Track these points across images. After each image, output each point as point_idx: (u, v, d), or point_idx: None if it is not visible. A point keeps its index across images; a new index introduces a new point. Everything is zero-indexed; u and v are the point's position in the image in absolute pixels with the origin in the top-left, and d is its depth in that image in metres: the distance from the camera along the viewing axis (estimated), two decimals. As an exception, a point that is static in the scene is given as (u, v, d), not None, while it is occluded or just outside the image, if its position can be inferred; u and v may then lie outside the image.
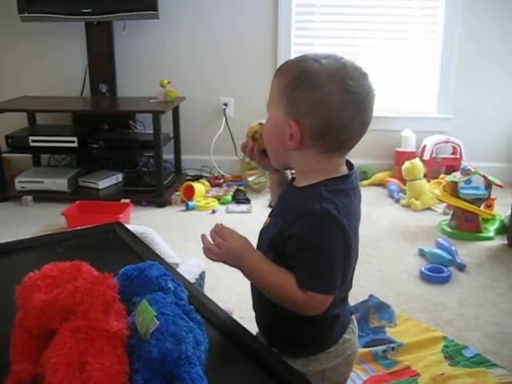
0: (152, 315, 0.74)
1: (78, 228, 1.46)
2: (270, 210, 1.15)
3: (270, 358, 0.84)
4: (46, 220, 2.91)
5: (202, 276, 2.04)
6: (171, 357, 0.71)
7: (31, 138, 3.27)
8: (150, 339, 0.73)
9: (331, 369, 1.08)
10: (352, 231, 0.99)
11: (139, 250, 1.24)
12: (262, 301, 1.04)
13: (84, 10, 3.40)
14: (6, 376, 0.74)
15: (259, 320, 1.12)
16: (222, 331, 0.91)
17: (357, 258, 1.08)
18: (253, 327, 0.98)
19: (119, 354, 0.73)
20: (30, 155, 3.64)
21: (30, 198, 3.23)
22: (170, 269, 1.03)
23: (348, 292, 1.12)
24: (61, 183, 3.30)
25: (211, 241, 1.05)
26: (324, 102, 0.96)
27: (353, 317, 1.17)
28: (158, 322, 0.74)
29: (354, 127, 0.98)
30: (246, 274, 1.02)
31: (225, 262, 1.02)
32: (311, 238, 0.95)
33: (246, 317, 0.97)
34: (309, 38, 3.67)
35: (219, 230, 1.06)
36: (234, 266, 1.02)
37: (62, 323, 0.75)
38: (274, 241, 1.02)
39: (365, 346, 1.77)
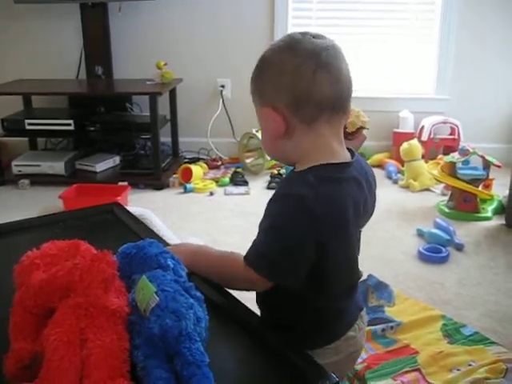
0: (152, 291, 0.74)
1: (76, 209, 1.46)
2: (268, 192, 1.14)
3: (270, 335, 0.84)
4: (44, 203, 2.90)
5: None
6: (172, 333, 0.71)
7: (27, 121, 3.25)
8: (151, 316, 0.73)
9: (330, 365, 0.98)
10: (331, 227, 0.92)
11: (138, 229, 1.23)
12: (263, 295, 1.03)
13: (78, -9, 3.36)
14: (5, 354, 0.73)
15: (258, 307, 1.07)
16: (222, 308, 0.90)
17: (358, 250, 1.06)
18: (251, 307, 0.98)
19: (119, 330, 0.73)
20: (27, 139, 3.63)
21: (26, 181, 3.22)
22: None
23: (354, 287, 1.08)
24: (58, 166, 3.29)
25: None
26: (280, 73, 0.95)
27: (362, 313, 1.13)
28: (157, 298, 0.73)
29: (322, 84, 0.93)
30: (194, 266, 0.99)
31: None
32: (273, 217, 0.93)
33: (244, 297, 0.96)
34: (306, 18, 3.65)
35: None
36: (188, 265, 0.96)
37: (61, 301, 0.75)
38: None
39: (364, 325, 1.78)
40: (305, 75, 0.92)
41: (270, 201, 0.94)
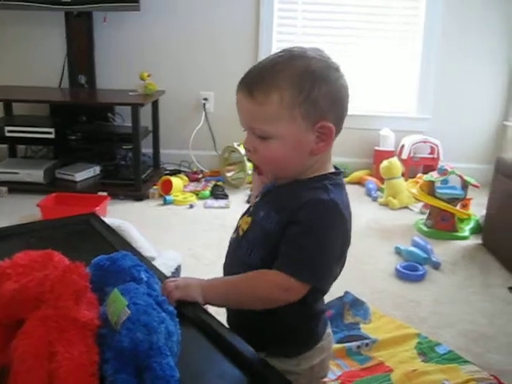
0: (123, 304, 0.73)
1: (52, 218, 1.44)
2: (247, 205, 1.13)
3: (244, 351, 0.84)
4: (21, 211, 2.86)
5: (178, 269, 2.03)
6: (142, 347, 0.70)
7: (7, 128, 3.22)
8: (121, 329, 0.72)
9: (319, 364, 1.08)
10: (350, 231, 1.00)
11: (114, 241, 1.22)
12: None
13: (64, 0, 3.35)
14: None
15: (244, 323, 1.02)
16: (196, 323, 0.90)
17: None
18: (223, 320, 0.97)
19: (89, 343, 0.72)
20: (6, 145, 3.59)
21: (4, 189, 3.18)
22: (144, 260, 1.02)
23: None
24: (37, 175, 3.25)
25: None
26: (336, 91, 0.97)
27: None
28: (129, 312, 0.73)
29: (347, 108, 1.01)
30: (212, 298, 0.97)
31: (186, 296, 0.94)
32: (314, 224, 0.93)
33: (221, 312, 0.96)
34: (290, 34, 3.68)
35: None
36: (196, 299, 0.95)
37: (31, 312, 0.74)
38: (267, 238, 0.99)
39: (339, 342, 1.77)
40: (346, 94, 0.99)
41: (294, 212, 0.94)
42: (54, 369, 0.68)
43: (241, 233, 1.07)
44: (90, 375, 0.69)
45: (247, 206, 1.12)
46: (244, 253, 1.03)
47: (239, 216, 1.12)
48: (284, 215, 0.96)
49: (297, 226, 0.94)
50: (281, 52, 0.99)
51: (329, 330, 1.12)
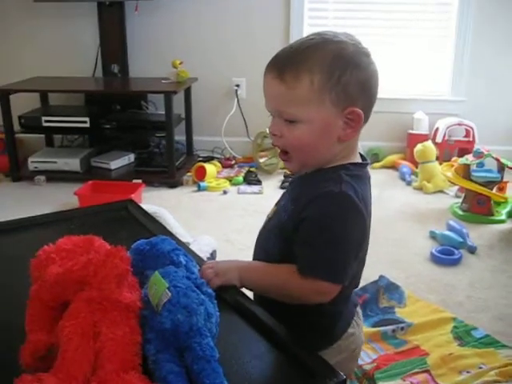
0: (164, 287, 0.75)
1: (91, 205, 1.48)
2: (281, 191, 1.14)
3: (280, 332, 0.85)
4: (59, 199, 2.93)
5: (213, 254, 2.07)
6: (183, 328, 0.72)
7: (44, 118, 3.29)
8: (162, 310, 0.74)
9: (335, 365, 1.04)
10: (368, 220, 0.97)
11: (151, 226, 1.25)
12: (263, 297, 1.02)
13: (96, -10, 3.39)
14: (22, 345, 0.75)
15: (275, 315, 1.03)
16: (233, 306, 0.92)
17: (366, 251, 1.05)
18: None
19: (132, 324, 0.75)
20: (43, 135, 3.66)
21: (42, 177, 3.26)
22: (182, 245, 1.04)
23: (354, 289, 1.10)
24: (73, 163, 3.32)
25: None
26: (367, 77, 0.96)
27: (358, 309, 1.15)
28: (169, 294, 0.75)
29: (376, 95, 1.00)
30: (247, 283, 0.98)
31: (226, 282, 0.96)
32: (325, 219, 0.92)
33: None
34: (321, 18, 3.64)
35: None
36: (234, 283, 0.97)
37: (76, 295, 0.77)
38: (281, 228, 1.00)
39: (374, 326, 1.78)
40: (376, 81, 0.98)
41: (305, 206, 0.93)
42: (98, 348, 0.71)
43: (266, 220, 1.09)
44: (133, 355, 0.72)
45: (280, 191, 1.13)
46: (264, 239, 1.06)
47: (272, 201, 1.13)
48: (297, 208, 0.96)
49: (308, 222, 0.93)
50: (312, 35, 0.98)
51: (352, 330, 1.10)
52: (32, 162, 3.34)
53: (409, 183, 3.27)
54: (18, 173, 3.33)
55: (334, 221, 0.92)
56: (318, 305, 0.97)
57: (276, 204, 1.09)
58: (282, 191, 1.12)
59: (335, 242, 0.92)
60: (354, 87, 0.94)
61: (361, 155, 1.04)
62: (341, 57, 0.94)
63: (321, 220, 0.92)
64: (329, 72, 0.92)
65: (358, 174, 0.98)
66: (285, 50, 0.97)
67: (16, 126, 3.29)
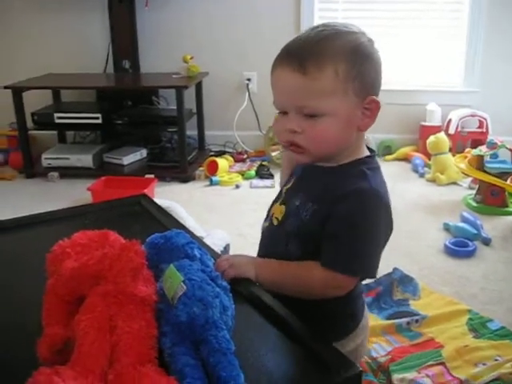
0: (179, 280, 0.76)
1: (105, 200, 1.48)
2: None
3: (296, 325, 0.85)
4: (73, 195, 2.95)
5: (226, 248, 2.07)
6: (198, 321, 0.73)
7: (56, 114, 3.31)
8: (178, 304, 0.74)
9: (361, 344, 1.07)
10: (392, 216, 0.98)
11: (165, 221, 1.25)
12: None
13: (106, -14, 3.40)
14: (39, 339, 0.76)
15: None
16: (249, 298, 0.92)
17: None
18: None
19: (148, 318, 0.75)
20: (56, 132, 3.69)
21: (56, 174, 3.28)
22: (196, 238, 1.04)
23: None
24: (86, 159, 3.34)
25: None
26: (378, 66, 0.97)
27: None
28: (185, 287, 0.75)
29: None
30: (263, 281, 0.97)
31: (240, 275, 0.95)
32: (356, 217, 0.91)
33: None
34: (332, 10, 3.63)
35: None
36: (249, 277, 0.96)
37: (91, 289, 0.77)
38: (302, 228, 0.97)
39: (388, 318, 1.78)
40: (381, 70, 0.98)
41: (333, 203, 0.92)
42: (114, 342, 0.71)
43: (275, 222, 1.05)
44: (149, 348, 0.72)
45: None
46: (281, 244, 1.01)
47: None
48: (322, 207, 0.94)
49: (339, 220, 0.92)
50: (320, 27, 0.95)
51: (366, 306, 1.11)
52: (45, 158, 3.36)
53: (422, 175, 3.25)
54: (32, 170, 3.36)
55: (366, 218, 0.92)
56: (355, 288, 0.99)
57: (282, 203, 1.04)
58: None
59: (366, 237, 0.93)
60: (370, 76, 0.94)
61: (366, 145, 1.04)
62: (358, 46, 0.93)
63: (353, 217, 0.92)
64: (351, 61, 0.92)
65: (375, 166, 0.98)
66: (297, 42, 0.95)
67: (29, 123, 3.31)
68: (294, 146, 0.97)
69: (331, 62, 0.90)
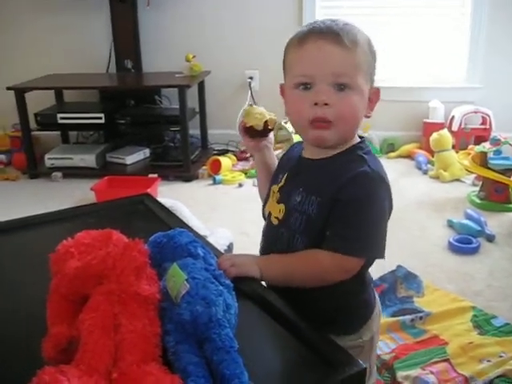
0: (183, 278, 0.76)
1: (108, 200, 1.49)
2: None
3: (300, 322, 0.85)
4: (76, 195, 2.96)
5: (230, 247, 2.07)
6: (202, 319, 0.73)
7: (59, 115, 3.32)
8: (181, 302, 0.74)
9: (377, 331, 1.07)
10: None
11: (168, 220, 1.25)
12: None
13: (108, -14, 3.40)
14: (44, 338, 0.76)
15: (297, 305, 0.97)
16: (252, 297, 0.92)
17: None
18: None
19: (151, 316, 0.75)
20: (59, 132, 3.70)
21: (59, 174, 3.29)
22: (199, 237, 1.04)
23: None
24: (89, 159, 3.35)
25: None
26: (375, 55, 1.00)
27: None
28: (188, 286, 0.75)
29: None
30: (268, 277, 0.96)
31: (242, 274, 0.94)
32: (363, 199, 0.92)
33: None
34: (334, 8, 3.62)
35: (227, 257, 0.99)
36: (253, 276, 0.95)
37: (95, 288, 0.77)
38: (310, 223, 0.96)
39: (392, 316, 1.78)
40: None
41: (339, 189, 0.92)
42: (118, 340, 0.71)
43: (275, 222, 1.04)
44: (153, 346, 0.72)
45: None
46: (283, 243, 1.01)
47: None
48: (326, 196, 0.94)
49: (345, 203, 0.92)
50: (328, 20, 0.96)
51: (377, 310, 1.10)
52: (49, 158, 3.37)
53: (425, 172, 3.25)
54: (35, 170, 3.37)
55: (371, 200, 0.93)
56: (357, 277, 0.97)
57: (281, 202, 1.03)
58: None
59: (374, 219, 0.94)
60: (375, 69, 0.99)
61: None
62: (370, 40, 0.99)
63: (358, 200, 0.92)
64: (369, 49, 0.97)
65: (369, 149, 1.00)
66: (321, 24, 0.96)
67: (32, 124, 3.32)
68: (319, 122, 0.95)
69: (362, 40, 0.95)
